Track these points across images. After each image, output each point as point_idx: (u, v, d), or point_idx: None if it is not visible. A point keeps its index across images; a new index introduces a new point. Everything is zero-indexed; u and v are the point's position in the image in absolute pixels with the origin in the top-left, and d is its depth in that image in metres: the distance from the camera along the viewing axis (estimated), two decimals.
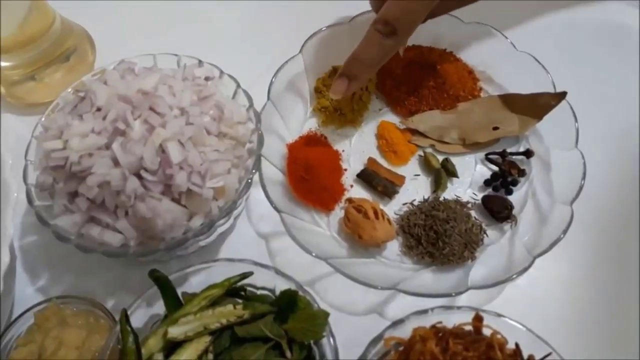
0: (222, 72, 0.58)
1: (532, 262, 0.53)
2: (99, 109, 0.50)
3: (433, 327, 0.46)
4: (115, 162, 0.48)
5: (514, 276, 0.52)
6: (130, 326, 0.44)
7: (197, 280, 0.51)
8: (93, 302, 0.52)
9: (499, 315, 0.47)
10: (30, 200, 0.51)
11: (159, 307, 0.49)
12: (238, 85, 0.57)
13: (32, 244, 0.60)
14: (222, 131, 0.53)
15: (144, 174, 0.48)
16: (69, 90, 0.57)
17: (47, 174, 0.50)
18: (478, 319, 0.46)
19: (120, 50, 0.63)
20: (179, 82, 0.53)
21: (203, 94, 0.54)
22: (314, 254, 0.54)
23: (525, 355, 0.45)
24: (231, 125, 0.53)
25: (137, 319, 0.48)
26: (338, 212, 0.61)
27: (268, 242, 0.61)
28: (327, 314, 0.46)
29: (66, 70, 0.69)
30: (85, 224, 0.49)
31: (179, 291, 0.49)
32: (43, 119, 0.55)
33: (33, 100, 0.67)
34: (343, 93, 0.60)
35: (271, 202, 0.56)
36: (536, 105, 0.63)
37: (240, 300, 0.49)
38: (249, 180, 0.52)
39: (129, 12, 0.78)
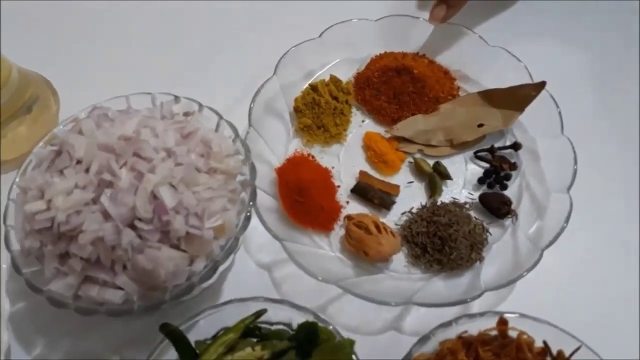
0: (201, 105, 0.56)
1: (541, 255, 0.53)
2: (79, 162, 0.47)
3: (459, 337, 0.45)
4: (106, 216, 0.45)
5: (525, 273, 0.52)
6: None
7: (208, 325, 0.48)
8: None
9: (523, 315, 0.46)
10: (17, 269, 0.48)
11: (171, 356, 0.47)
12: (220, 117, 0.55)
13: (21, 311, 0.56)
14: (212, 167, 0.50)
15: (138, 224, 0.45)
16: (41, 144, 0.54)
17: (33, 238, 0.46)
18: (503, 323, 0.45)
19: (84, 95, 0.60)
20: (159, 122, 0.51)
21: (186, 130, 0.51)
22: (320, 279, 0.52)
23: (554, 351, 0.45)
24: (220, 159, 0.51)
25: None
26: (338, 231, 0.60)
27: (270, 272, 0.59)
28: (352, 342, 0.44)
29: (30, 122, 0.65)
30: (82, 285, 0.46)
31: (190, 339, 0.47)
32: (17, 179, 0.52)
33: None
34: (442, 19, 0.67)
35: (270, 231, 0.55)
36: (517, 98, 0.63)
37: (256, 340, 0.47)
38: (248, 214, 0.50)
39: (86, 53, 0.75)
